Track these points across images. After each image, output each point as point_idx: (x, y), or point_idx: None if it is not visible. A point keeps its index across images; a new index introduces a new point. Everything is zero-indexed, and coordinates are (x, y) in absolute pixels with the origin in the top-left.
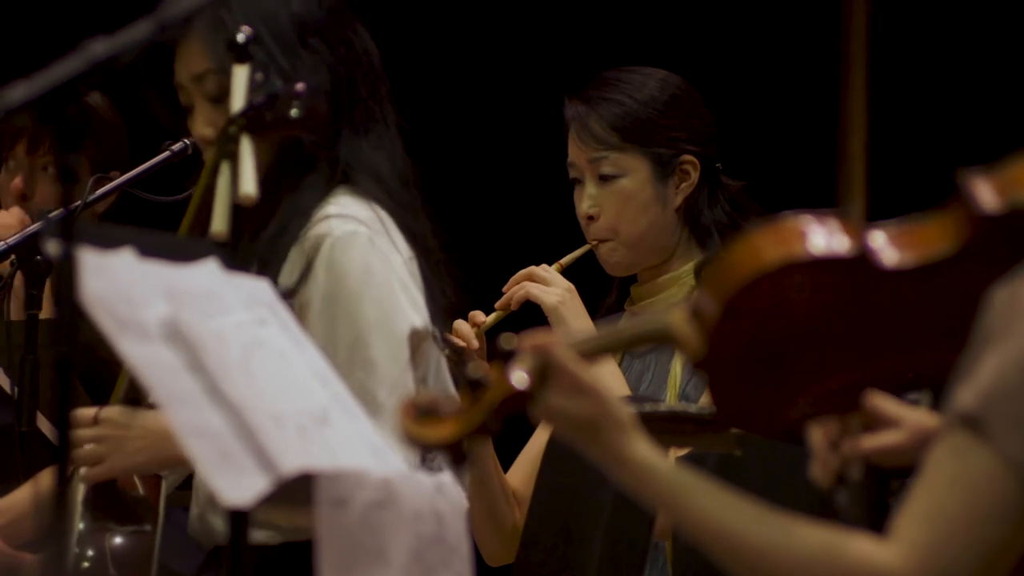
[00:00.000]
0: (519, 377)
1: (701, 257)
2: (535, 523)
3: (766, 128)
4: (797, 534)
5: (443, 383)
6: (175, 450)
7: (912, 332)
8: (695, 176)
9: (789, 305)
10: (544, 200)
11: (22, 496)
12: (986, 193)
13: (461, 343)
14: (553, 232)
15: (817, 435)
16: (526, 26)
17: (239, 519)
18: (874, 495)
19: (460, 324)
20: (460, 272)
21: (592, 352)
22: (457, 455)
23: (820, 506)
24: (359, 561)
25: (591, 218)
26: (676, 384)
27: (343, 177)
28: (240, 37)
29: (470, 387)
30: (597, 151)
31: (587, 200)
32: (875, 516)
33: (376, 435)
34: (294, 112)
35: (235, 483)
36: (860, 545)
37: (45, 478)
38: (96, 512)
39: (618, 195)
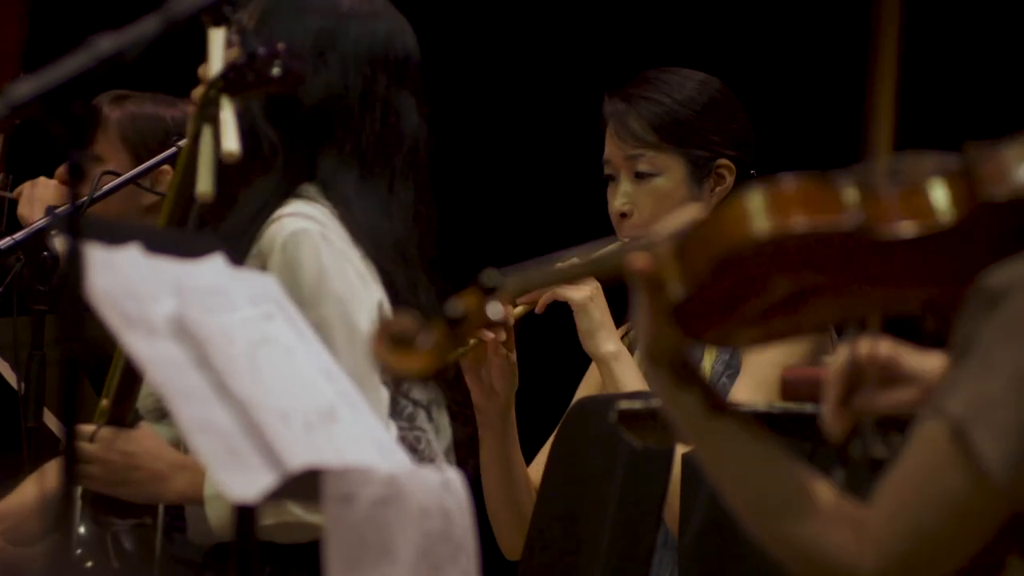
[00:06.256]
0: (495, 309)
1: None
2: (541, 521)
3: (797, 134)
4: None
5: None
6: (170, 493)
7: (900, 287)
8: (730, 180)
9: (774, 268)
10: (577, 196)
11: (24, 497)
12: (990, 176)
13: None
14: (585, 228)
15: (831, 389)
16: (564, 24)
17: (246, 515)
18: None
19: None
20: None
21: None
22: (462, 457)
23: None
24: (366, 557)
25: (624, 215)
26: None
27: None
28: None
29: (448, 324)
30: (635, 149)
31: (621, 197)
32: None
33: (382, 431)
34: (275, 71)
35: (242, 480)
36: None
37: (47, 475)
38: (97, 506)
39: (653, 194)
